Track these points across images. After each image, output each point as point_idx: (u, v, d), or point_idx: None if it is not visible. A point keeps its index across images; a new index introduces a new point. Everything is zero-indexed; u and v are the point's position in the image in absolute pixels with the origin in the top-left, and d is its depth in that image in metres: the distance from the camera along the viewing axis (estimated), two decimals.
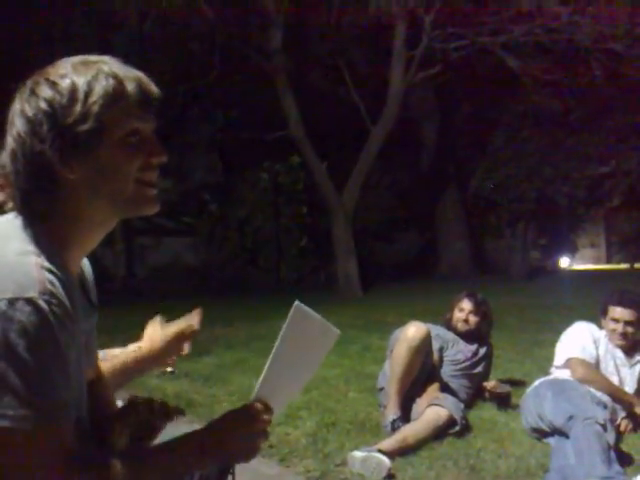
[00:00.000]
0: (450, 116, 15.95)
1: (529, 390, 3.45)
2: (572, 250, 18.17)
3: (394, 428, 3.32)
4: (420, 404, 3.51)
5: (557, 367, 3.44)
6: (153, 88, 1.13)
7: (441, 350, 3.90)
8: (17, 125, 1.08)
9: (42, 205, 1.10)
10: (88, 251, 1.19)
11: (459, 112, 16.09)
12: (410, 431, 3.23)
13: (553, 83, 11.54)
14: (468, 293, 4.15)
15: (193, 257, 15.19)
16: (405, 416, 3.45)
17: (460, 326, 4.02)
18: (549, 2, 10.83)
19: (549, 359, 3.67)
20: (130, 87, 1.09)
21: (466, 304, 4.06)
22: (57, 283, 1.04)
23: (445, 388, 3.74)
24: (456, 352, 3.96)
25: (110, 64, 1.11)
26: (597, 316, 3.54)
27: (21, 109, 1.09)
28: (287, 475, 2.97)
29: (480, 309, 4.08)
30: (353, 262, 12.03)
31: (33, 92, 1.08)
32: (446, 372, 3.86)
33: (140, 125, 1.11)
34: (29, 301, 0.99)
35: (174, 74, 10.83)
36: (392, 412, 3.40)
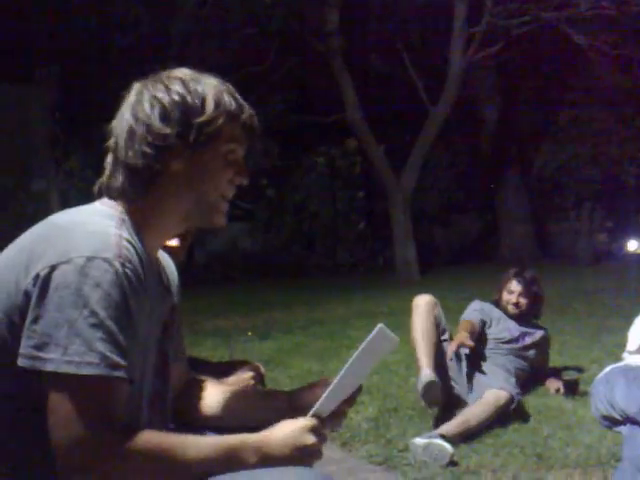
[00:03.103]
0: (512, 95, 15.50)
1: (599, 376, 3.32)
2: None
3: (429, 392, 3.16)
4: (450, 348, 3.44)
5: (630, 353, 3.30)
6: (257, 122, 1.29)
7: (484, 325, 3.74)
8: (145, 106, 1.20)
9: (142, 183, 1.20)
10: (163, 242, 1.29)
11: (521, 91, 15.62)
12: (471, 414, 3.16)
13: (622, 58, 11.05)
14: (516, 272, 3.88)
15: (251, 242, 15.33)
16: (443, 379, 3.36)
17: (510, 309, 3.82)
18: None
19: (618, 345, 3.53)
20: (245, 115, 1.25)
21: (515, 286, 3.81)
22: (133, 252, 1.13)
23: (490, 364, 3.62)
24: (502, 330, 3.78)
25: (228, 86, 1.26)
26: None
27: (153, 95, 1.20)
28: (350, 459, 2.96)
29: (531, 290, 3.83)
30: (411, 246, 11.90)
31: (167, 86, 1.21)
32: (491, 348, 3.72)
33: (238, 148, 1.27)
34: (105, 260, 1.07)
35: (231, 60, 10.88)
36: (423, 374, 3.19)
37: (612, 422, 3.08)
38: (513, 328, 3.80)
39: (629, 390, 2.92)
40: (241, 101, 1.26)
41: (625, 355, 3.35)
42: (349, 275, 12.84)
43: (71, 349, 1.02)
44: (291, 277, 12.43)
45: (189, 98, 1.20)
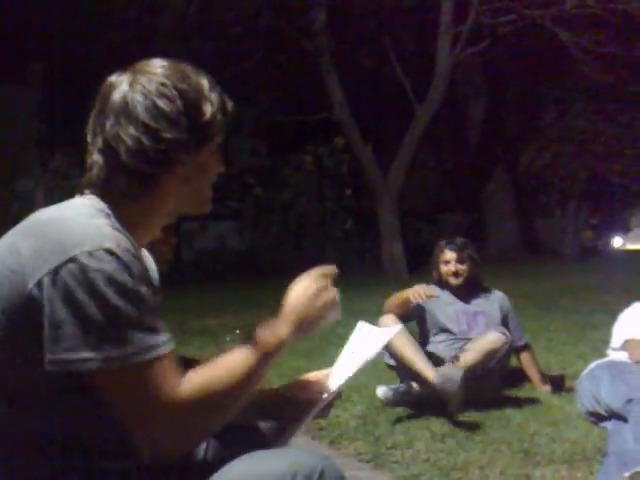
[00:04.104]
0: (498, 93, 15.59)
1: (584, 373, 3.34)
2: (625, 229, 17.65)
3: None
4: None
5: (614, 349, 3.33)
6: (234, 109, 1.26)
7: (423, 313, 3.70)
8: (145, 107, 1.13)
9: (144, 187, 1.17)
10: (150, 237, 1.26)
11: (508, 89, 15.71)
12: (470, 357, 3.31)
13: (607, 56, 11.13)
14: (446, 242, 3.80)
15: (239, 241, 15.32)
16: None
17: (452, 281, 3.71)
18: None
19: (604, 341, 3.56)
20: (229, 105, 1.24)
21: (449, 254, 3.72)
22: (129, 243, 1.11)
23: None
24: (450, 321, 3.68)
25: (208, 76, 1.22)
26: None
27: (149, 92, 1.14)
28: (338, 457, 2.96)
29: (465, 254, 3.74)
30: (398, 244, 11.93)
31: (161, 82, 1.15)
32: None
33: (220, 138, 1.25)
34: (107, 251, 1.05)
35: (218, 58, 10.86)
36: (434, 376, 3.23)
37: (597, 417, 3.11)
38: (460, 315, 3.69)
39: (613, 385, 2.94)
40: (221, 92, 1.24)
41: (609, 352, 3.38)
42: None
43: (105, 347, 1.02)
44: (279, 275, 12.42)
45: (189, 95, 1.16)
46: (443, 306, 3.71)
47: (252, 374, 1.14)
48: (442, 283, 3.77)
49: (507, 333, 3.46)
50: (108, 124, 1.15)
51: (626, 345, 3.23)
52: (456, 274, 3.70)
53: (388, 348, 3.39)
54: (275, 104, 13.32)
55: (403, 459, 2.84)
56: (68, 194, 1.23)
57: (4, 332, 1.08)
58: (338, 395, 1.44)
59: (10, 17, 10.89)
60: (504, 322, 3.73)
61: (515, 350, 3.80)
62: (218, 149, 1.25)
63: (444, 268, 3.73)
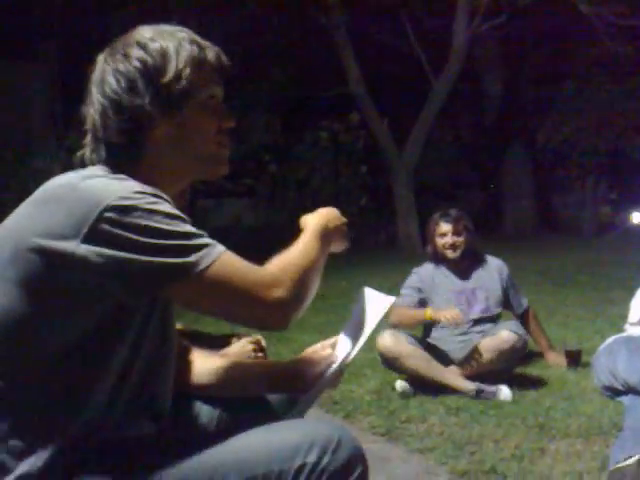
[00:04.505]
0: (516, 68, 15.34)
1: (601, 347, 3.31)
2: None
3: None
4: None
5: (632, 324, 3.29)
6: (225, 58, 1.25)
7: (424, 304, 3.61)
8: (110, 83, 1.18)
9: (129, 157, 1.19)
10: None
11: (526, 63, 15.45)
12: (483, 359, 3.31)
13: (628, 28, 10.89)
14: (441, 214, 3.68)
15: (254, 218, 15.31)
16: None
17: (449, 254, 3.60)
18: None
19: (622, 317, 3.52)
20: (210, 54, 1.22)
21: (445, 226, 3.60)
22: (154, 189, 1.14)
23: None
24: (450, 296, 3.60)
25: (188, 32, 1.23)
26: None
27: (115, 68, 1.18)
28: (353, 430, 2.93)
29: (461, 224, 3.62)
30: (414, 221, 11.87)
31: (125, 54, 1.18)
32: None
33: (215, 90, 1.24)
34: (138, 192, 1.09)
35: (232, 33, 10.78)
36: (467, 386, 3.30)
37: (614, 392, 3.08)
38: (458, 295, 3.59)
39: (631, 360, 2.91)
40: (203, 42, 1.23)
41: (627, 327, 3.34)
42: (352, 250, 12.82)
43: (184, 258, 1.07)
44: None
45: (150, 61, 1.17)
46: (440, 290, 3.62)
47: (318, 249, 1.25)
48: (438, 258, 3.67)
49: (521, 330, 3.39)
50: (88, 102, 1.22)
51: None
52: (453, 246, 3.59)
53: (405, 369, 3.37)
54: (290, 80, 13.21)
55: (417, 433, 2.85)
56: None
57: (39, 299, 1.09)
58: (346, 364, 1.43)
59: None
60: (504, 291, 3.68)
61: (519, 316, 3.78)
62: (211, 105, 1.23)
63: (440, 241, 3.62)
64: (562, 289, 6.83)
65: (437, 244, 3.64)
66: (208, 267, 1.08)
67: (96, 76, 1.21)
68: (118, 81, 1.17)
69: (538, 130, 14.42)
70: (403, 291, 3.66)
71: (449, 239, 3.60)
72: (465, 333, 3.54)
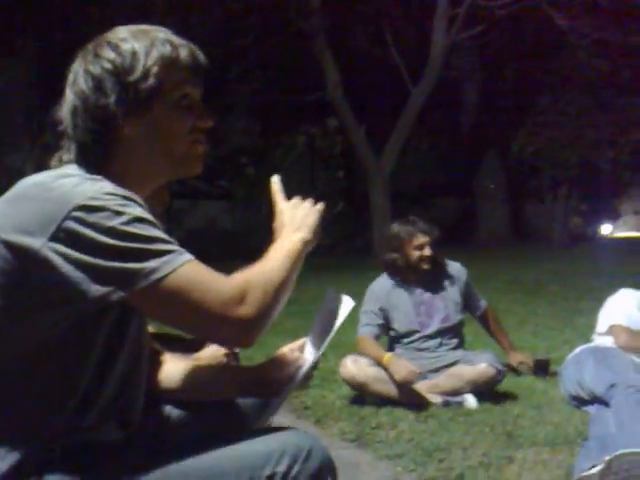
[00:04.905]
0: (493, 77, 15.54)
1: (569, 357, 3.37)
2: (614, 217, 17.73)
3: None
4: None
5: (599, 334, 3.35)
6: (202, 57, 1.23)
7: (387, 329, 3.54)
8: (80, 82, 1.17)
9: (98, 157, 1.17)
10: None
11: (502, 73, 15.65)
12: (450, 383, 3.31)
13: (602, 41, 11.09)
14: (414, 227, 3.49)
15: (229, 221, 15.27)
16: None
17: (425, 266, 3.46)
18: None
19: (590, 327, 3.58)
20: (183, 53, 1.19)
21: (422, 238, 3.45)
22: (126, 191, 1.12)
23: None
24: (409, 322, 3.50)
25: (165, 32, 1.21)
26: None
27: (85, 68, 1.18)
28: (323, 436, 2.97)
29: (434, 234, 3.52)
30: (389, 227, 11.94)
31: (96, 54, 1.18)
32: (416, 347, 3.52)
33: (191, 90, 1.21)
34: (108, 193, 1.07)
35: (212, 35, 10.75)
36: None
37: (580, 402, 3.13)
38: (419, 307, 3.51)
39: (597, 371, 2.97)
40: (178, 41, 1.21)
41: (595, 337, 3.41)
42: (327, 256, 12.85)
43: (144, 264, 1.04)
44: None
45: (119, 61, 1.16)
46: (400, 305, 3.52)
47: (288, 267, 1.19)
48: (397, 270, 3.52)
49: (499, 364, 3.35)
50: (63, 104, 1.21)
51: (611, 330, 3.25)
52: (429, 258, 3.47)
53: (372, 393, 3.33)
54: (269, 83, 13.21)
55: (387, 439, 2.86)
56: None
57: (7, 293, 1.09)
58: (315, 365, 1.43)
59: None
60: (463, 296, 3.60)
61: (479, 318, 3.77)
62: (185, 104, 1.20)
63: (416, 253, 3.45)
64: (533, 298, 6.92)
65: (411, 256, 3.47)
66: (167, 275, 1.04)
67: (70, 77, 1.21)
68: (87, 81, 1.17)
69: (512, 140, 14.61)
70: (363, 319, 3.50)
71: (427, 251, 3.46)
72: (431, 350, 3.49)
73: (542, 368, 3.81)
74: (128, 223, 1.05)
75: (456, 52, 13.64)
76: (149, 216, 1.09)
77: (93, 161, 1.18)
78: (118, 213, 1.05)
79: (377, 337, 3.51)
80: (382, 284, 3.58)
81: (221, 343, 1.14)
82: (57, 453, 1.12)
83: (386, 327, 3.53)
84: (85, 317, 1.09)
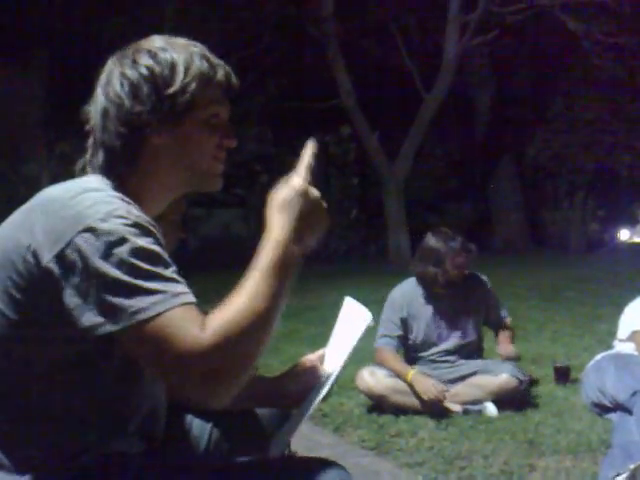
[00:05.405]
0: (506, 83, 15.49)
1: (590, 364, 3.33)
2: (632, 222, 17.54)
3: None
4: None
5: (620, 340, 3.32)
6: (235, 78, 1.24)
7: (406, 339, 3.52)
8: (115, 86, 1.17)
9: (123, 162, 1.18)
10: (154, 212, 1.23)
11: (516, 79, 15.60)
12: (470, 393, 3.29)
13: (616, 46, 11.02)
14: (463, 246, 3.44)
15: (244, 228, 15.30)
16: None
17: (457, 281, 3.45)
18: None
19: (610, 333, 3.55)
20: (220, 73, 1.20)
21: (464, 259, 3.44)
22: (139, 211, 1.11)
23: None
24: (430, 337, 3.51)
25: (200, 47, 1.22)
26: None
27: (122, 72, 1.17)
28: (342, 444, 2.97)
29: (474, 255, 3.50)
30: (404, 234, 11.90)
31: (134, 60, 1.18)
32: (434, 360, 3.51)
33: (220, 109, 1.22)
34: (119, 216, 1.05)
35: (225, 43, 10.81)
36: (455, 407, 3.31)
37: (602, 409, 3.10)
38: (441, 319, 3.50)
39: (619, 377, 2.93)
40: (215, 60, 1.21)
41: (615, 343, 3.37)
42: (342, 262, 12.84)
43: (133, 301, 1.00)
44: None
45: (157, 69, 1.16)
46: (421, 315, 3.50)
47: (273, 291, 1.09)
48: (428, 281, 3.48)
49: (521, 374, 3.32)
50: (92, 104, 1.21)
51: (633, 336, 3.22)
52: (464, 276, 3.48)
53: (391, 405, 3.34)
54: (282, 91, 13.25)
55: (407, 447, 2.84)
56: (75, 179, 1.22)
57: (22, 308, 1.09)
58: (336, 380, 1.42)
59: (17, 1, 10.85)
60: (488, 309, 3.58)
61: (498, 328, 3.64)
62: (213, 122, 1.21)
63: (454, 272, 3.43)
64: (551, 305, 6.86)
65: (449, 272, 3.42)
66: (152, 318, 0.99)
67: (103, 78, 1.20)
68: (122, 85, 1.17)
69: (527, 145, 14.54)
70: (382, 328, 3.48)
71: (465, 271, 3.47)
72: (450, 362, 3.47)
73: (563, 375, 3.77)
74: (131, 253, 1.02)
75: (469, 58, 13.62)
76: (155, 247, 1.06)
77: (119, 168, 1.17)
78: (124, 240, 1.02)
79: (397, 349, 3.48)
80: (404, 292, 3.55)
81: (193, 401, 1.08)
82: (79, 470, 1.11)
83: (404, 337, 3.51)
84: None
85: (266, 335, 1.07)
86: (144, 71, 1.16)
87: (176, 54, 1.18)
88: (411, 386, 3.28)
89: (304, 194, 1.19)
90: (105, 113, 1.18)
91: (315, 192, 1.22)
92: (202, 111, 1.19)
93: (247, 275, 1.10)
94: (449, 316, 3.51)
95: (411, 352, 3.55)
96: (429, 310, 3.50)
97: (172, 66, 1.17)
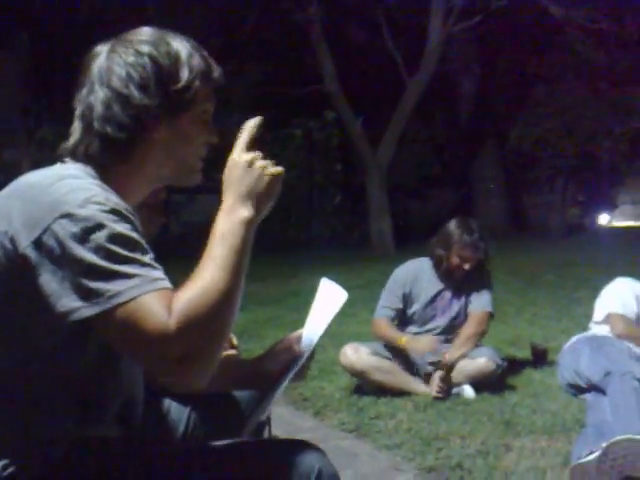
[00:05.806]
0: (490, 69, 15.51)
1: (566, 346, 3.40)
2: (612, 207, 17.75)
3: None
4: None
5: (596, 323, 3.38)
6: (223, 77, 1.27)
7: (404, 312, 3.58)
8: (120, 75, 1.16)
9: (119, 153, 1.18)
10: (134, 202, 1.24)
11: (499, 64, 15.63)
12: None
13: (598, 32, 11.08)
14: (472, 241, 3.44)
15: None
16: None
17: (457, 275, 3.51)
18: None
19: (587, 316, 3.60)
20: (215, 73, 1.24)
21: (469, 254, 3.45)
22: (117, 199, 1.11)
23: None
24: (429, 316, 3.59)
25: (193, 43, 1.23)
26: (637, 273, 3.45)
27: (126, 61, 1.17)
28: (322, 428, 3.00)
29: (482, 258, 3.51)
30: (387, 219, 11.94)
31: (137, 51, 1.17)
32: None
33: (209, 106, 1.25)
34: (97, 202, 1.05)
35: (208, 27, 10.72)
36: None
37: (577, 390, 3.16)
38: (436, 300, 3.57)
39: (593, 358, 2.99)
40: (209, 58, 1.24)
41: (591, 325, 3.43)
42: (325, 248, 12.87)
43: (110, 285, 1.00)
44: (267, 250, 12.41)
45: (163, 62, 1.17)
46: (421, 296, 3.57)
47: (232, 270, 1.10)
48: (440, 266, 3.53)
49: (498, 359, 3.38)
50: (85, 92, 1.19)
51: (608, 319, 3.28)
52: (463, 270, 3.49)
53: (372, 382, 3.40)
54: (265, 76, 13.18)
55: (386, 429, 2.89)
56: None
57: (0, 294, 1.10)
58: (311, 356, 1.45)
59: None
60: (477, 295, 3.59)
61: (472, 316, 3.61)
62: (204, 118, 1.24)
63: (456, 261, 3.46)
64: (531, 288, 6.95)
65: (451, 260, 3.48)
66: (128, 302, 1.00)
67: (100, 65, 1.18)
68: (129, 75, 1.16)
69: (510, 131, 14.61)
70: (383, 300, 3.59)
71: (467, 267, 3.47)
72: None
73: (540, 356, 3.83)
74: (108, 239, 1.03)
75: (453, 43, 13.61)
76: (133, 233, 1.06)
77: (110, 158, 1.18)
78: (101, 226, 1.03)
79: (392, 320, 3.57)
80: (410, 269, 3.65)
81: (171, 383, 1.10)
82: (59, 456, 1.13)
83: (402, 311, 3.59)
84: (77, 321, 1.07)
85: (228, 308, 1.08)
86: (151, 63, 1.17)
87: (177, 49, 1.20)
88: (406, 349, 3.39)
89: (244, 166, 1.20)
90: (108, 104, 1.17)
91: (260, 162, 1.22)
92: (197, 107, 1.22)
93: (205, 257, 1.12)
94: (447, 300, 3.60)
95: (402, 326, 3.61)
96: (430, 291, 3.58)
97: (176, 59, 1.18)
